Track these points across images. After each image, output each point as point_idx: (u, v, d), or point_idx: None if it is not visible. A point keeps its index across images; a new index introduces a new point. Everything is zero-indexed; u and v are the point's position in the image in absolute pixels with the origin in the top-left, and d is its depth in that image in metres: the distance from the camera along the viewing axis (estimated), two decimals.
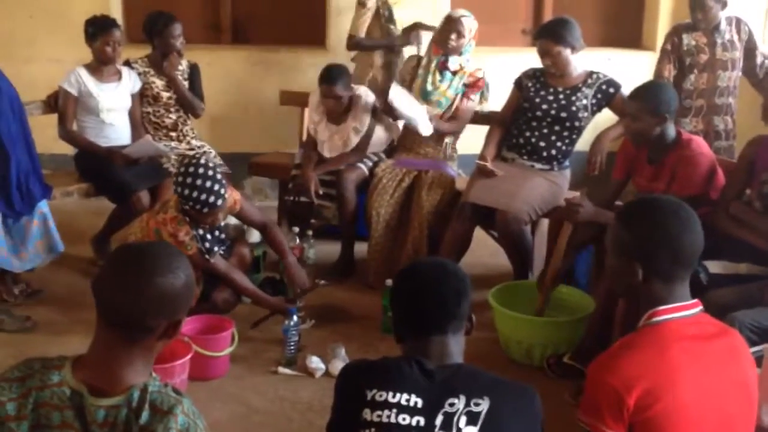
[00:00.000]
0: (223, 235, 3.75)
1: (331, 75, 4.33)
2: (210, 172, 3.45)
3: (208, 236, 3.58)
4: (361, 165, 4.41)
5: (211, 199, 3.44)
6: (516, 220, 3.86)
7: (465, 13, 4.31)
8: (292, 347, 3.44)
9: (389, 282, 3.78)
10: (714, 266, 3.39)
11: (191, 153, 4.47)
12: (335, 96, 4.33)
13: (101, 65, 4.37)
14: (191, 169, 3.45)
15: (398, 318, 1.97)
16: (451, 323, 1.90)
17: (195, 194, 3.42)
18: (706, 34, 4.27)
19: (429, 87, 4.33)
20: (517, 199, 3.89)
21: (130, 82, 4.47)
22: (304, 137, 4.75)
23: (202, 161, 3.51)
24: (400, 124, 4.48)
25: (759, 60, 4.36)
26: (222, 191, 3.47)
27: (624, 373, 1.75)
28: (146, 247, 1.64)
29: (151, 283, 1.52)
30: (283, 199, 4.71)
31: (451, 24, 4.27)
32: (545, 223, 4.18)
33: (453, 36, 4.25)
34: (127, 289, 1.52)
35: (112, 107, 4.39)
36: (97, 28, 4.30)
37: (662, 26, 5.43)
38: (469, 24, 4.27)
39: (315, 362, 3.41)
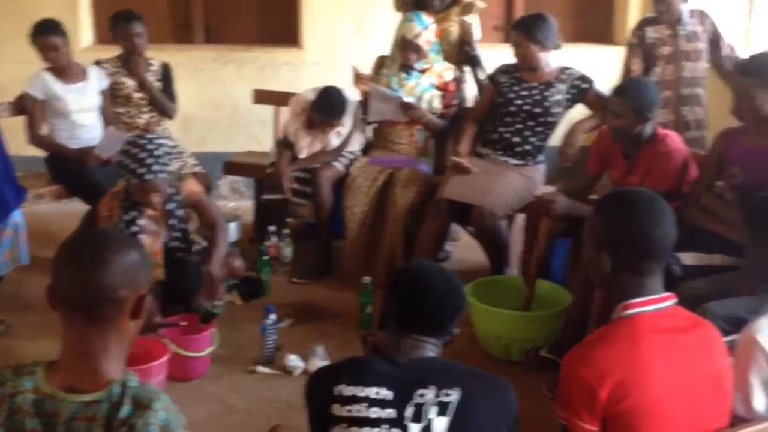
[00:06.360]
0: (185, 226, 3.60)
1: (334, 109, 4.29)
2: (149, 146, 3.31)
3: (143, 221, 3.40)
4: (337, 163, 4.40)
5: (141, 170, 3.27)
6: (491, 215, 3.88)
7: (417, 27, 4.18)
8: (270, 346, 3.43)
9: (366, 279, 3.78)
10: (688, 258, 3.42)
11: None
12: (334, 126, 4.33)
13: (63, 68, 4.32)
14: (135, 140, 3.40)
15: (389, 310, 2.00)
16: (436, 332, 1.96)
17: (129, 163, 3.29)
18: (669, 27, 4.31)
19: (395, 86, 4.31)
20: (492, 194, 3.90)
21: (97, 80, 4.42)
22: (280, 136, 4.73)
23: (152, 137, 3.44)
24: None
25: (725, 51, 4.40)
26: (156, 168, 3.29)
27: (596, 365, 1.76)
28: (94, 230, 1.66)
29: (107, 252, 1.53)
30: (259, 197, 4.69)
31: (407, 46, 4.21)
32: (521, 218, 4.20)
33: (413, 56, 4.24)
34: (86, 264, 1.52)
35: (81, 108, 4.35)
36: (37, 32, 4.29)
37: (631, 21, 5.46)
38: (426, 36, 4.20)
39: (293, 360, 3.40)
